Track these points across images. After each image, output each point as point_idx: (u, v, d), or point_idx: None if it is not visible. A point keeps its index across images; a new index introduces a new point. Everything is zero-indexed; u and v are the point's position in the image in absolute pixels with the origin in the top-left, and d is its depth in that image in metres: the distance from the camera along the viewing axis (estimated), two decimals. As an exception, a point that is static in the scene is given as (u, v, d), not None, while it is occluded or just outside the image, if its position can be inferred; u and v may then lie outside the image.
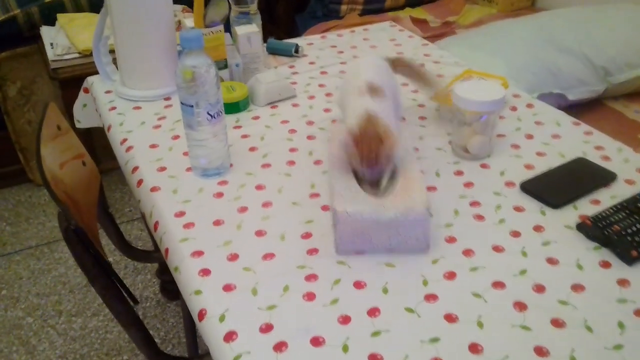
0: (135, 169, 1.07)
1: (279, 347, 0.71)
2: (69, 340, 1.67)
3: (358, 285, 0.79)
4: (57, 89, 2.01)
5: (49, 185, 0.78)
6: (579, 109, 1.41)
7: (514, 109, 1.21)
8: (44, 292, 1.84)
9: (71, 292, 1.84)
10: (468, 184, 0.99)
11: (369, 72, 1.01)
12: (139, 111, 1.26)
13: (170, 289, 1.77)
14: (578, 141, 1.10)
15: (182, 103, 0.97)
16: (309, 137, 1.14)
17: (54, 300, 1.81)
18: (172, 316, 1.74)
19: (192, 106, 0.96)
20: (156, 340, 1.64)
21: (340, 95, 1.09)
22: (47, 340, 1.68)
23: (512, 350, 0.69)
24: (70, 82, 1.86)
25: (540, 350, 0.69)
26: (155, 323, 1.71)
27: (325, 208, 0.94)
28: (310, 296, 0.78)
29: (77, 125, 1.55)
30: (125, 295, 0.90)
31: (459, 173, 1.02)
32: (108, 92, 1.35)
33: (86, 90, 1.46)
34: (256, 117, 1.22)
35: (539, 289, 0.78)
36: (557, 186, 0.96)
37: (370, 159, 0.83)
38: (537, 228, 0.88)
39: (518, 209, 0.93)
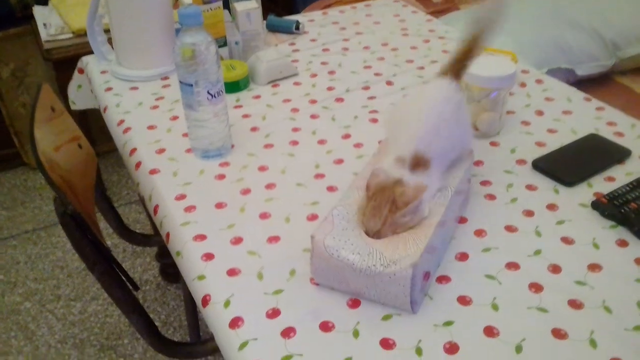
0: (133, 151, 1.04)
1: (287, 333, 0.68)
2: (68, 324, 1.65)
3: (367, 268, 0.76)
4: (51, 70, 1.97)
5: (44, 169, 0.75)
6: (587, 85, 1.38)
7: (523, 85, 1.18)
8: (42, 277, 1.82)
9: (69, 277, 1.81)
10: (477, 163, 0.96)
11: (425, 129, 0.78)
12: (136, 91, 1.23)
13: (170, 272, 1.75)
14: (590, 117, 1.06)
15: (181, 82, 0.93)
16: (312, 116, 1.11)
17: (52, 285, 1.78)
18: (172, 299, 1.72)
19: (191, 85, 0.92)
20: (157, 323, 1.62)
21: (393, 117, 0.88)
22: (45, 325, 1.65)
23: (529, 333, 0.67)
24: (65, 62, 1.82)
25: (558, 333, 0.67)
26: (155, 306, 1.69)
27: (330, 189, 0.91)
28: (318, 280, 0.75)
29: (72, 107, 1.51)
30: (126, 281, 0.87)
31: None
32: (104, 72, 1.31)
33: (81, 71, 1.42)
34: (257, 96, 1.19)
35: (555, 269, 0.75)
36: (570, 163, 0.93)
37: (372, 222, 0.71)
38: (551, 207, 0.86)
39: (530, 187, 0.90)
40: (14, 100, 2.19)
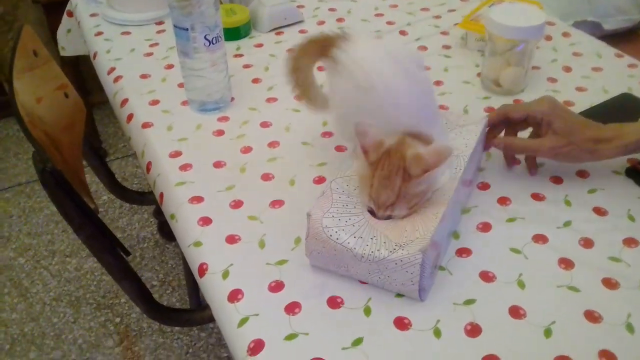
0: (125, 101, 0.96)
1: (291, 308, 0.62)
2: (63, 281, 1.60)
3: (380, 237, 0.69)
4: (42, 13, 1.86)
5: (22, 122, 0.67)
6: (612, 40, 1.28)
7: (548, 38, 1.09)
8: (36, 232, 1.76)
9: (64, 232, 1.75)
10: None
11: (406, 104, 0.66)
12: (128, 37, 1.14)
13: (168, 229, 1.68)
14: (622, 75, 0.98)
15: (175, 26, 0.84)
16: (319, 68, 1.01)
17: (47, 240, 1.72)
18: (171, 258, 1.66)
19: (187, 29, 0.83)
20: (154, 283, 1.58)
21: (341, 115, 0.75)
22: (40, 281, 1.60)
23: (560, 314, 0.60)
24: (56, 5, 1.70)
25: (591, 315, 0.60)
26: (153, 265, 1.64)
27: (339, 149, 0.83)
28: (325, 250, 0.68)
29: (62, 53, 1.42)
30: (116, 246, 0.80)
31: (490, 110, 0.90)
32: (93, 15, 1.22)
33: (70, 14, 1.32)
34: (259, 45, 1.10)
35: (587, 243, 0.68)
36: (602, 125, 0.85)
37: (383, 195, 0.61)
38: (581, 174, 0.78)
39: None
40: (3, 46, 2.09)
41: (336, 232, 0.61)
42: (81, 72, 1.98)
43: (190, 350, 1.41)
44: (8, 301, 1.55)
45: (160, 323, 0.86)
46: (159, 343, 1.43)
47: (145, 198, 1.29)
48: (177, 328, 1.43)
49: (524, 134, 0.78)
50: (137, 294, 0.84)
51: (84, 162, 1.15)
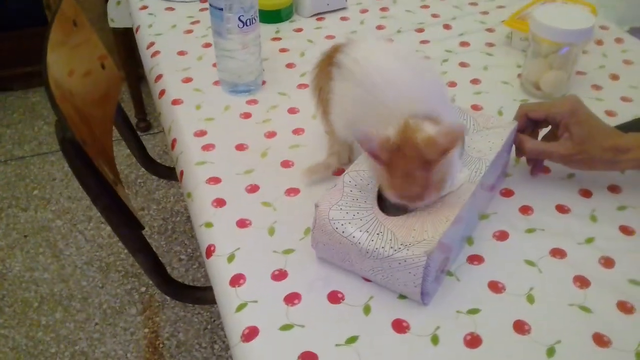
0: (159, 77, 0.97)
1: (291, 299, 0.61)
2: (95, 247, 1.65)
3: (391, 236, 0.68)
4: (99, -16, 1.90)
5: (51, 94, 0.69)
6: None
7: (599, 42, 1.03)
8: (76, 196, 1.81)
9: (103, 199, 1.80)
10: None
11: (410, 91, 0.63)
12: (172, 13, 1.14)
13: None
14: (673, 87, 0.92)
15: (211, 5, 0.84)
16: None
17: (85, 205, 1.77)
18: (201, 233, 1.68)
19: (221, 9, 0.83)
20: (182, 257, 1.60)
21: (338, 111, 0.71)
22: (74, 244, 1.65)
23: (566, 334, 0.58)
24: (112, -23, 1.74)
25: (600, 339, 0.57)
26: (183, 239, 1.66)
27: (363, 141, 0.82)
28: (333, 243, 0.67)
29: (111, 25, 1.45)
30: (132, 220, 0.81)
31: (525, 113, 0.87)
32: (141, -12, 1.23)
33: (121, -14, 1.34)
34: (299, 29, 1.08)
35: (607, 263, 0.65)
36: (642, 140, 0.80)
37: (411, 189, 0.59)
38: (613, 188, 0.74)
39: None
40: (62, 13, 2.15)
41: (342, 224, 0.60)
42: (133, 44, 2.02)
43: (209, 327, 1.43)
44: (42, 261, 1.61)
45: (171, 298, 0.87)
46: (179, 316, 1.46)
47: (174, 173, 1.31)
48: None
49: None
50: (151, 267, 0.85)
51: (120, 135, 1.18)
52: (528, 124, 0.73)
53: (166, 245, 1.64)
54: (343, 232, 0.60)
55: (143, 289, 1.53)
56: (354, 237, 0.59)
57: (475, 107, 0.88)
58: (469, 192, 0.62)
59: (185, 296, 0.92)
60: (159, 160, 1.27)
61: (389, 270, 0.59)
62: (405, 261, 0.57)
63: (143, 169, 1.87)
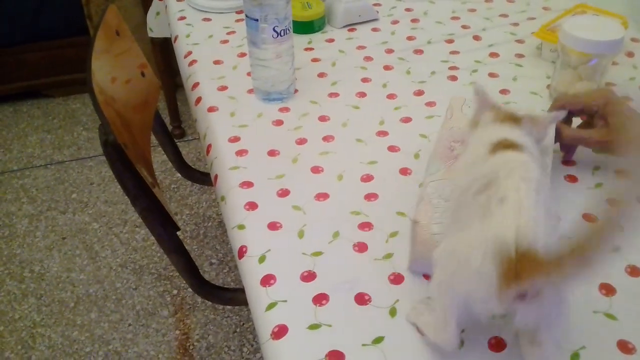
0: (196, 85, 1.00)
1: (319, 299, 0.63)
2: (130, 250, 1.69)
3: (417, 241, 0.69)
4: (138, -5, 1.96)
5: (95, 100, 0.72)
6: None
7: (630, 54, 1.03)
8: (112, 200, 1.86)
9: (138, 203, 1.85)
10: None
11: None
12: (208, 23, 1.18)
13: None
14: None
15: (246, 16, 0.87)
16: (386, 67, 1.02)
17: (121, 209, 1.83)
18: (232, 239, 1.72)
19: (256, 20, 0.86)
20: (213, 261, 1.64)
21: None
22: (109, 247, 1.70)
23: (591, 340, 0.58)
24: (152, -12, 1.80)
25: (624, 346, 0.58)
26: (214, 244, 1.70)
27: (392, 149, 0.84)
28: (361, 247, 0.69)
29: (150, 34, 1.50)
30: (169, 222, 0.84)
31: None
32: (180, 0, 1.27)
33: (160, -2, 1.39)
34: (330, 40, 1.11)
35: (634, 271, 0.65)
36: (672, 151, 0.80)
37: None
38: (641, 198, 0.74)
39: (621, 172, 0.78)
40: (102, 23, 2.22)
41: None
42: (170, 53, 2.08)
43: (238, 330, 1.46)
44: (78, 262, 1.66)
45: (203, 298, 0.90)
46: (209, 319, 1.49)
47: (208, 179, 1.35)
48: (228, 307, 1.49)
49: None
50: (185, 267, 0.88)
51: (156, 141, 1.21)
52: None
53: (198, 249, 1.68)
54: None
55: (175, 291, 1.57)
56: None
57: (504, 117, 0.89)
58: (546, 182, 0.62)
59: (216, 297, 0.95)
60: (192, 167, 1.31)
61: None
62: None
63: (177, 175, 1.93)
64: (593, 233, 0.45)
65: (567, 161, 0.80)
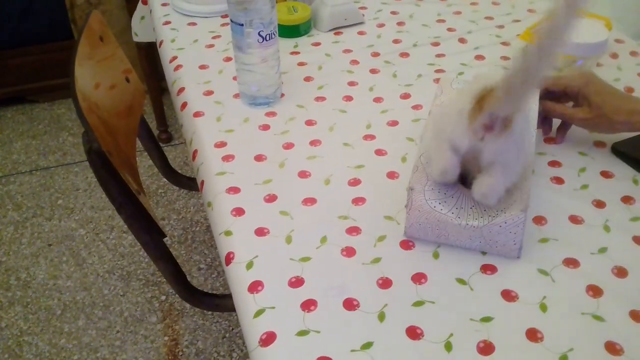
0: (181, 90, 0.99)
1: (308, 305, 0.63)
2: (117, 256, 1.68)
3: (405, 245, 0.69)
4: (123, -1, 1.95)
5: (78, 107, 0.71)
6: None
7: (614, 56, 1.04)
8: (99, 206, 1.85)
9: (125, 209, 1.83)
10: (549, 140, 0.85)
11: None
12: (194, 28, 1.18)
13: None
14: (689, 100, 0.93)
15: (231, 21, 0.87)
16: (372, 71, 1.02)
17: (107, 215, 1.81)
18: (220, 243, 1.71)
19: (242, 25, 0.86)
20: (202, 266, 1.63)
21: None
22: (96, 253, 1.69)
23: (579, 342, 0.59)
24: (135, -8, 1.79)
25: (612, 347, 0.58)
26: (202, 249, 1.69)
27: (379, 152, 0.84)
28: (349, 251, 0.69)
29: (135, 39, 1.49)
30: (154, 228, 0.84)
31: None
32: (165, 4, 1.26)
33: (144, 2, 1.38)
34: (317, 44, 1.11)
35: (620, 272, 0.66)
36: (656, 151, 0.81)
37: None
38: (627, 199, 0.75)
39: (606, 174, 0.79)
40: (87, 28, 2.20)
41: (439, 203, 0.66)
42: (156, 57, 2.07)
43: (227, 335, 1.45)
44: (65, 269, 1.64)
45: (190, 305, 0.89)
46: (198, 324, 1.48)
47: (195, 184, 1.34)
48: (217, 312, 1.48)
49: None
50: (172, 274, 0.87)
51: (142, 146, 1.21)
52: (549, 98, 0.81)
53: (186, 254, 1.67)
54: (441, 210, 0.65)
55: (163, 297, 1.56)
56: (452, 214, 0.65)
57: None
58: (532, 151, 0.70)
59: (204, 303, 0.94)
60: (179, 171, 1.30)
61: (489, 235, 0.65)
62: (505, 223, 0.63)
63: (164, 180, 1.91)
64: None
65: (547, 139, 0.85)
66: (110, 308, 1.53)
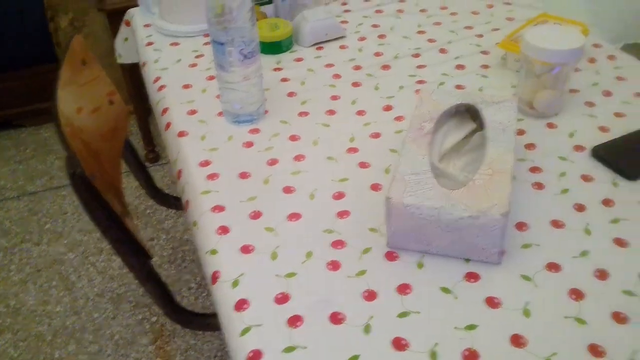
0: (165, 110, 1.00)
1: (294, 321, 0.63)
2: (107, 278, 1.67)
3: (390, 256, 0.70)
4: (107, 21, 1.95)
5: (62, 133, 0.72)
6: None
7: (592, 60, 1.06)
8: (87, 229, 1.84)
9: (114, 230, 1.83)
10: (530, 146, 0.86)
11: None
12: (176, 47, 1.18)
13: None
14: (665, 102, 0.94)
15: (213, 40, 0.88)
16: (354, 84, 1.03)
17: (96, 238, 1.80)
18: (211, 261, 1.70)
19: (223, 44, 0.86)
20: (192, 285, 1.62)
21: None
22: (86, 277, 1.68)
23: (562, 346, 0.59)
24: (119, 14, 1.79)
25: (595, 349, 0.59)
26: (192, 267, 1.68)
27: (363, 165, 0.84)
28: (335, 265, 0.69)
29: (118, 60, 1.49)
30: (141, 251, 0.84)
31: (521, 132, 0.89)
32: (147, 25, 1.27)
33: (127, 23, 1.39)
34: (299, 59, 1.12)
35: (602, 275, 0.66)
36: (635, 154, 0.82)
37: None
38: (607, 202, 0.76)
39: (586, 178, 0.80)
40: (71, 51, 2.21)
41: (418, 208, 0.65)
42: (139, 78, 2.07)
43: (219, 354, 1.44)
44: (54, 294, 1.63)
45: (181, 326, 0.89)
46: (190, 344, 1.47)
47: (181, 203, 1.34)
48: (208, 332, 1.47)
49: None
50: (160, 295, 0.87)
51: (127, 167, 1.21)
52: None
53: (176, 274, 1.66)
54: (420, 213, 0.65)
55: (154, 318, 1.55)
56: (432, 215, 0.65)
57: (471, 128, 0.90)
58: (510, 160, 0.70)
59: (193, 323, 0.94)
60: (167, 191, 1.30)
61: (469, 237, 0.65)
62: (485, 225, 0.64)
63: (152, 200, 1.91)
64: None
65: (528, 144, 0.84)
66: (101, 332, 1.52)
